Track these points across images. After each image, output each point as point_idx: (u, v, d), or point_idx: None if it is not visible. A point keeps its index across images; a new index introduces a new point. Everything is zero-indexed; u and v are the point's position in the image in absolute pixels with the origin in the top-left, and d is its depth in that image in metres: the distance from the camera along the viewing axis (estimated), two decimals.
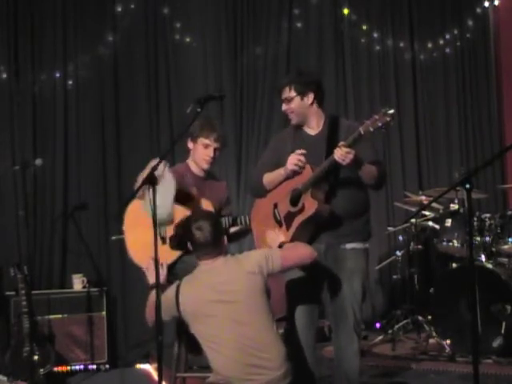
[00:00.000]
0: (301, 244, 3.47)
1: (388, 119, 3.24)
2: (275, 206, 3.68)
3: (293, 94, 3.63)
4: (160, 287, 3.27)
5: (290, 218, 3.57)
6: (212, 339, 3.25)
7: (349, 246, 3.61)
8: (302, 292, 3.66)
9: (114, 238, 4.87)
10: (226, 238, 3.78)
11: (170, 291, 3.37)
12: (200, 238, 3.31)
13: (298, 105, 3.64)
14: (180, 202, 3.88)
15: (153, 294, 3.35)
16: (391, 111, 3.25)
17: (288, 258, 3.36)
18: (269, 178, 3.74)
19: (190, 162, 4.11)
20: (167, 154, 4.02)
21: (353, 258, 3.61)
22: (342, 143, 3.35)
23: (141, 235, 3.75)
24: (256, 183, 3.80)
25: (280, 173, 3.64)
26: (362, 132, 3.29)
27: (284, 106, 3.69)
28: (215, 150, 4.02)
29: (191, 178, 4.04)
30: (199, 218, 3.39)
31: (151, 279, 3.48)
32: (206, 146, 4.00)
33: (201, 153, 4.02)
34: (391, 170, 6.69)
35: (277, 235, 3.56)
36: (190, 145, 4.07)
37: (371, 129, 3.27)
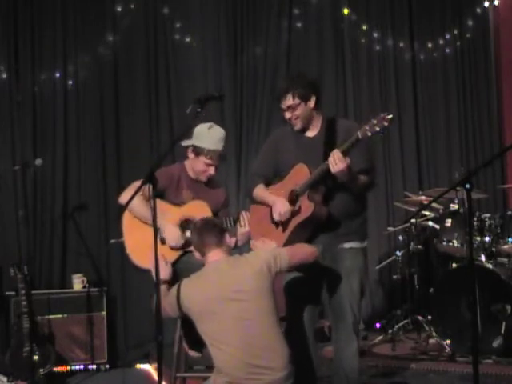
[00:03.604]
0: (302, 244, 3.47)
1: (386, 124, 3.22)
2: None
3: (297, 101, 3.55)
4: (165, 283, 3.38)
5: (286, 218, 3.57)
6: (217, 338, 3.25)
7: (346, 245, 3.61)
8: (301, 292, 3.66)
9: (112, 241, 4.87)
10: (234, 240, 3.81)
11: (173, 290, 3.38)
12: (202, 224, 3.37)
13: (303, 110, 3.58)
14: (173, 203, 3.88)
15: (162, 289, 3.41)
16: (390, 116, 3.23)
17: (294, 255, 3.36)
18: (259, 194, 3.74)
19: (187, 164, 4.07)
20: (167, 154, 4.04)
21: (351, 258, 3.61)
22: (336, 150, 3.32)
23: (140, 236, 3.75)
24: (249, 191, 3.83)
25: (269, 199, 3.65)
26: (360, 136, 3.28)
27: (287, 114, 3.61)
28: (216, 167, 4.02)
29: (185, 180, 4.02)
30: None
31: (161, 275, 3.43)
32: (209, 165, 3.99)
33: (202, 168, 3.99)
34: (391, 169, 6.70)
35: (267, 244, 3.54)
36: (191, 155, 4.01)
37: (369, 133, 3.25)
